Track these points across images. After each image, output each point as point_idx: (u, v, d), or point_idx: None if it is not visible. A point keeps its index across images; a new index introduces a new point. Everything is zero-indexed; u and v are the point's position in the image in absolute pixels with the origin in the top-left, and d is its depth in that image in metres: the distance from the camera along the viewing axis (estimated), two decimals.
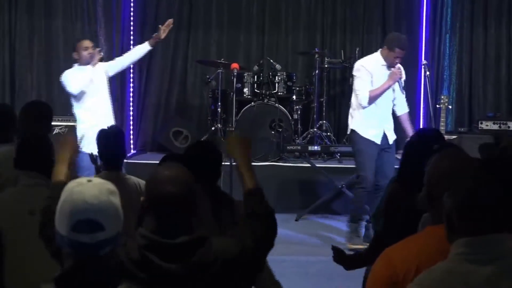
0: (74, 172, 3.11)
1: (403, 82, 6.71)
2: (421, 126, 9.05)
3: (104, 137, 4.16)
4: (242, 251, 2.40)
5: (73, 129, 7.53)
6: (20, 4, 8.91)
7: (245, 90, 8.68)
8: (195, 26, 9.45)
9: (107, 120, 6.47)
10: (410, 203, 3.00)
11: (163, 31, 6.71)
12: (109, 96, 6.67)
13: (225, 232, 2.87)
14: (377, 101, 6.51)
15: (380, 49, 6.61)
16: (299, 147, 8.07)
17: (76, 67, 6.48)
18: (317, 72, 8.66)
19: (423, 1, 9.25)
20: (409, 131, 6.71)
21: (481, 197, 1.94)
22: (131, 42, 8.91)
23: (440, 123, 7.38)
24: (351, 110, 6.72)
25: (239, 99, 8.49)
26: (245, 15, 9.54)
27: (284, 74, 8.71)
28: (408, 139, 6.26)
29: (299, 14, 9.52)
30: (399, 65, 6.55)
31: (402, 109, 6.78)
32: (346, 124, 6.94)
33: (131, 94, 9.08)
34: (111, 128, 4.27)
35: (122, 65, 6.81)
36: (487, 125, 8.18)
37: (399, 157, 8.86)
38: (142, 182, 3.92)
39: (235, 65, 8.22)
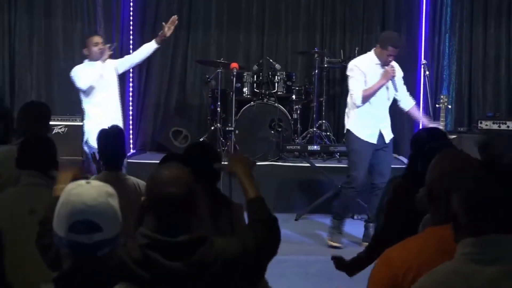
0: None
1: (401, 79, 6.72)
2: (421, 126, 9.05)
3: (104, 137, 4.16)
4: (243, 252, 2.41)
5: (76, 129, 7.57)
6: (20, 4, 8.91)
7: (245, 89, 8.69)
8: (194, 25, 9.45)
9: (116, 116, 6.55)
10: (411, 203, 3.01)
11: (167, 28, 6.72)
12: (118, 93, 6.70)
13: (221, 233, 2.88)
14: (372, 101, 6.52)
15: (374, 48, 6.62)
16: (298, 147, 8.08)
17: (86, 62, 6.51)
18: (316, 71, 8.67)
19: (423, 1, 9.25)
20: (424, 121, 6.87)
21: (487, 196, 1.94)
22: (131, 42, 8.91)
23: (439, 122, 7.38)
24: (347, 110, 6.76)
25: (239, 98, 8.50)
26: (245, 15, 9.54)
27: (284, 73, 8.72)
28: (422, 131, 6.39)
29: (299, 14, 9.52)
30: (393, 64, 6.55)
31: (408, 103, 6.81)
32: (345, 124, 6.94)
33: (131, 94, 9.08)
34: (111, 128, 4.27)
35: (131, 62, 6.85)
36: (486, 125, 8.19)
37: (398, 156, 8.94)
38: (141, 183, 3.92)
39: (234, 65, 8.22)
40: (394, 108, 9.04)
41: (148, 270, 2.23)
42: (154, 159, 7.73)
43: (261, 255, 2.51)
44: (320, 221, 7.53)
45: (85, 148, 6.72)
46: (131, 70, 8.83)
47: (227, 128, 8.23)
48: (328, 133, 8.69)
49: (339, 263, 3.57)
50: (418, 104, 8.67)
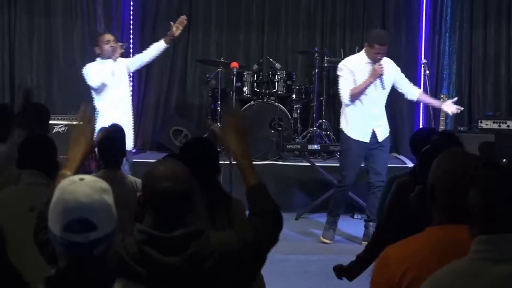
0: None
1: (400, 74, 6.71)
2: (420, 126, 9.06)
3: (103, 135, 4.15)
4: (240, 245, 2.40)
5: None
6: (20, 3, 8.92)
7: (245, 89, 8.69)
8: (194, 25, 9.45)
9: (127, 114, 6.55)
10: (409, 200, 3.02)
11: (176, 28, 6.70)
12: (129, 91, 6.70)
13: (219, 229, 2.87)
14: (363, 100, 6.55)
15: (364, 47, 6.66)
16: (298, 146, 8.08)
17: (98, 60, 6.50)
18: (316, 71, 8.67)
19: (423, 0, 9.25)
20: (435, 103, 6.88)
21: (505, 196, 1.93)
22: (131, 41, 8.91)
23: (439, 122, 7.38)
24: (341, 110, 6.81)
25: (239, 98, 8.49)
26: (245, 14, 9.54)
27: (284, 73, 8.72)
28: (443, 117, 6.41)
29: (299, 13, 9.52)
30: (386, 60, 6.56)
31: (414, 93, 6.80)
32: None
33: (131, 93, 9.07)
34: (111, 126, 4.27)
35: (142, 62, 6.83)
36: (486, 124, 8.18)
37: (398, 156, 8.93)
38: (138, 181, 3.92)
39: (234, 64, 8.22)
40: (395, 108, 9.08)
41: (144, 265, 2.23)
42: (154, 159, 7.70)
43: (261, 247, 2.49)
44: (320, 220, 7.52)
45: None
46: None
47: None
48: (328, 133, 8.69)
49: (339, 270, 3.58)
50: (418, 103, 8.68)
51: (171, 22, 6.79)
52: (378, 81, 6.52)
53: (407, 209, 2.98)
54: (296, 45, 9.49)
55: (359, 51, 8.67)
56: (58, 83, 9.01)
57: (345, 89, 6.53)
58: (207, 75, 8.67)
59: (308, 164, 8.04)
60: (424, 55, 9.09)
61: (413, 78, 9.03)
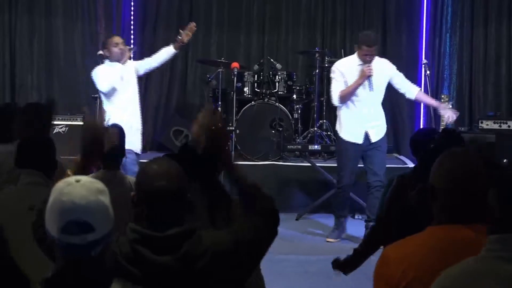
0: None
1: (397, 73, 6.70)
2: (421, 126, 9.06)
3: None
4: (235, 243, 2.39)
5: (77, 129, 7.58)
6: (21, 3, 8.92)
7: (246, 89, 8.69)
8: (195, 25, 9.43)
9: (136, 118, 6.55)
10: (410, 200, 3.01)
11: (185, 35, 6.72)
12: (138, 94, 6.69)
13: (219, 229, 2.86)
14: (355, 102, 6.60)
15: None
16: (299, 147, 8.08)
17: (106, 63, 6.49)
18: (317, 71, 8.66)
19: (424, 1, 9.25)
20: (434, 103, 6.89)
21: None
22: (132, 41, 8.91)
23: (440, 122, 7.38)
24: (336, 112, 6.86)
25: (240, 98, 8.50)
26: (245, 14, 9.54)
27: (285, 73, 8.72)
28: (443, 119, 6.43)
29: (299, 13, 9.52)
30: (376, 61, 6.56)
31: (413, 91, 6.79)
32: None
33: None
34: (111, 127, 4.26)
35: (151, 66, 6.84)
36: (487, 124, 8.18)
37: (399, 156, 8.93)
38: None
39: (235, 65, 8.22)
40: (395, 109, 9.09)
41: (137, 265, 2.22)
42: None
43: (261, 245, 2.48)
44: (321, 220, 7.53)
45: None
46: None
47: (227, 128, 8.23)
48: (328, 133, 8.69)
49: (335, 262, 3.59)
50: (418, 103, 8.69)
51: (180, 30, 6.79)
52: (367, 83, 6.53)
53: (406, 206, 2.98)
54: (296, 45, 9.49)
55: None
56: (58, 83, 9.01)
57: (335, 90, 6.61)
58: (208, 76, 8.67)
59: (309, 164, 8.04)
60: (425, 55, 9.09)
61: (414, 79, 9.02)
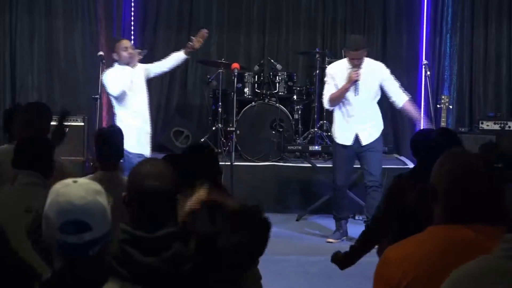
0: None
1: (390, 78, 6.70)
2: (422, 127, 9.05)
3: (100, 137, 4.13)
4: (223, 248, 2.39)
5: (77, 129, 7.59)
6: (21, 3, 8.91)
7: (246, 90, 8.69)
8: (195, 26, 9.42)
9: (147, 122, 6.56)
10: (406, 200, 3.02)
11: (197, 41, 6.75)
12: (147, 97, 6.69)
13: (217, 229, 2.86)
14: (346, 105, 6.66)
15: None
16: (299, 147, 8.08)
17: (116, 66, 6.48)
18: (317, 72, 8.66)
19: (424, 1, 9.25)
20: (416, 116, 6.94)
21: None
22: (132, 42, 8.90)
23: (440, 123, 7.38)
24: (333, 113, 6.93)
25: (240, 99, 8.49)
26: (246, 15, 9.54)
27: (285, 74, 8.72)
28: (422, 126, 6.45)
29: (300, 14, 9.53)
30: (369, 65, 6.60)
31: (400, 99, 6.80)
32: None
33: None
34: (109, 127, 4.26)
35: (161, 70, 6.87)
36: (487, 125, 8.18)
37: (399, 157, 8.93)
38: None
39: (235, 65, 8.21)
40: (396, 110, 9.07)
41: (125, 265, 2.22)
42: None
43: (249, 250, 2.49)
44: (321, 221, 7.53)
45: None
46: None
47: (228, 129, 8.22)
48: (329, 134, 8.66)
49: (335, 256, 3.60)
50: (419, 104, 8.69)
51: (192, 37, 6.81)
52: (354, 87, 6.57)
53: (405, 206, 2.98)
54: (297, 46, 9.49)
55: None
56: (58, 83, 9.00)
57: (326, 94, 6.72)
58: (208, 76, 8.68)
59: (309, 165, 8.04)
60: (425, 56, 9.08)
61: (414, 79, 9.05)
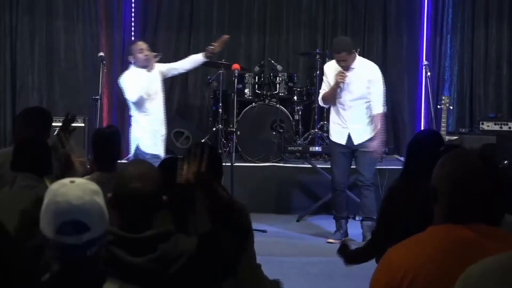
0: None
1: (372, 84, 6.65)
2: (422, 127, 9.06)
3: (98, 137, 4.12)
4: (212, 249, 2.39)
5: (77, 130, 7.58)
6: (22, 4, 8.92)
7: (246, 91, 8.70)
8: (196, 26, 9.45)
9: (163, 124, 6.58)
10: (406, 202, 3.02)
11: (218, 46, 6.78)
12: (163, 98, 6.68)
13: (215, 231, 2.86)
14: (338, 104, 6.69)
15: None
16: (300, 148, 8.08)
17: (132, 68, 6.45)
18: (318, 72, 8.65)
19: (424, 2, 9.25)
20: (376, 131, 6.68)
21: None
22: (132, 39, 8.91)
23: (441, 124, 7.38)
24: None
25: (240, 100, 8.50)
26: (246, 16, 9.54)
27: (285, 74, 8.72)
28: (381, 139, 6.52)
29: (300, 15, 9.52)
30: (361, 66, 6.63)
31: (373, 109, 6.74)
32: None
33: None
34: (107, 128, 4.25)
35: (178, 70, 6.92)
36: (488, 126, 8.18)
37: (399, 157, 8.93)
38: None
39: (236, 66, 8.20)
40: (396, 111, 9.09)
41: (112, 266, 2.22)
42: None
43: (235, 252, 2.49)
44: (322, 222, 7.53)
45: (137, 154, 6.48)
46: None
47: (228, 129, 8.23)
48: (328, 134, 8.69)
49: (341, 249, 3.59)
50: (419, 105, 8.69)
51: (212, 42, 6.89)
52: (340, 88, 6.61)
53: (404, 206, 2.99)
54: (297, 46, 9.49)
55: (360, 52, 8.74)
56: (59, 84, 9.01)
57: (321, 91, 6.85)
58: (209, 77, 8.68)
59: (310, 165, 8.04)
60: (426, 56, 9.08)
61: (415, 80, 9.05)
